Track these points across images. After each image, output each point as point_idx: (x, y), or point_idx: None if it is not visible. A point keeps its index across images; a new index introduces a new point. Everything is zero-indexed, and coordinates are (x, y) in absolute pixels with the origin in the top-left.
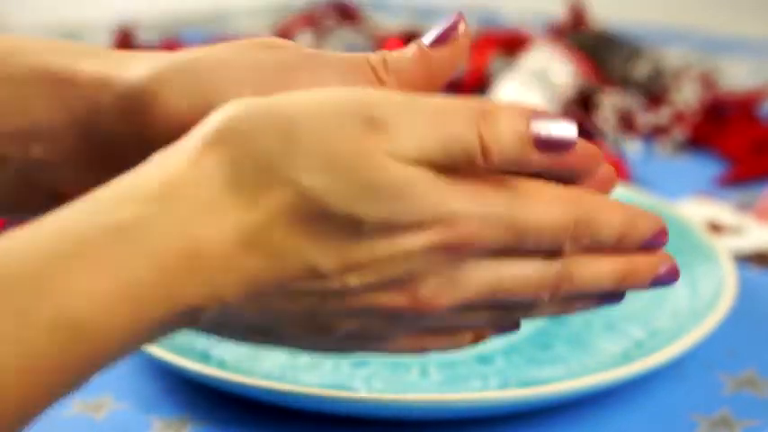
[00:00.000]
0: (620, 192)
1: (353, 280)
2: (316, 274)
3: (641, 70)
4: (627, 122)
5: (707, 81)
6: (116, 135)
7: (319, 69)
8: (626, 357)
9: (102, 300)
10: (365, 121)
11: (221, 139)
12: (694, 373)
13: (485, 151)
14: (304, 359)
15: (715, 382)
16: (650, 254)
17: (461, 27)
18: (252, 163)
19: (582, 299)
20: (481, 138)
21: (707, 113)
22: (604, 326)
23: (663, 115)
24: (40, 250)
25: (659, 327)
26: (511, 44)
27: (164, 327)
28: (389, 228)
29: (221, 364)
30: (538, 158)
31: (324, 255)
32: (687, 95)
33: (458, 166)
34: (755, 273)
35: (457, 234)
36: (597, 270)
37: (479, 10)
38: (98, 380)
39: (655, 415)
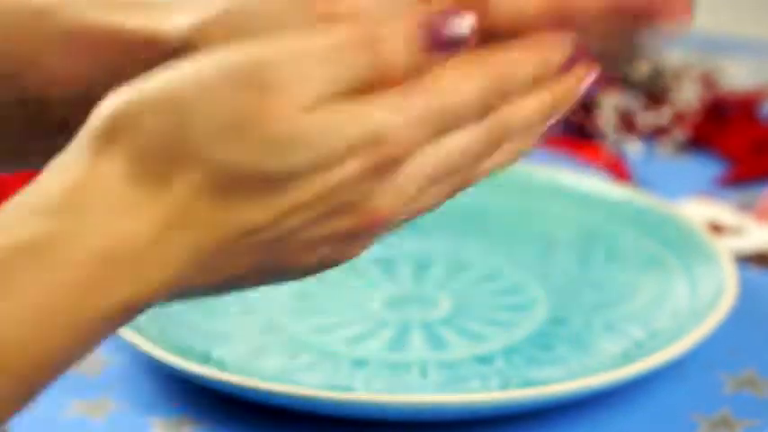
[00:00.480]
0: (621, 192)
1: (293, 221)
2: (252, 230)
3: (642, 70)
4: (627, 122)
5: (707, 81)
6: None
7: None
8: (626, 358)
9: (21, 324)
10: (256, 84)
11: (111, 135)
12: (695, 373)
13: (383, 78)
14: (304, 359)
15: (715, 382)
16: (573, 70)
17: None
18: (150, 151)
19: (527, 135)
20: (375, 68)
21: (707, 114)
22: (604, 326)
23: (663, 115)
24: None
25: (659, 327)
26: None
27: (106, 328)
28: (314, 167)
29: (221, 365)
30: (442, 58)
31: (254, 211)
32: (687, 95)
33: (362, 89)
34: (756, 273)
35: (386, 150)
36: (525, 109)
37: None
38: (98, 380)
39: (655, 415)
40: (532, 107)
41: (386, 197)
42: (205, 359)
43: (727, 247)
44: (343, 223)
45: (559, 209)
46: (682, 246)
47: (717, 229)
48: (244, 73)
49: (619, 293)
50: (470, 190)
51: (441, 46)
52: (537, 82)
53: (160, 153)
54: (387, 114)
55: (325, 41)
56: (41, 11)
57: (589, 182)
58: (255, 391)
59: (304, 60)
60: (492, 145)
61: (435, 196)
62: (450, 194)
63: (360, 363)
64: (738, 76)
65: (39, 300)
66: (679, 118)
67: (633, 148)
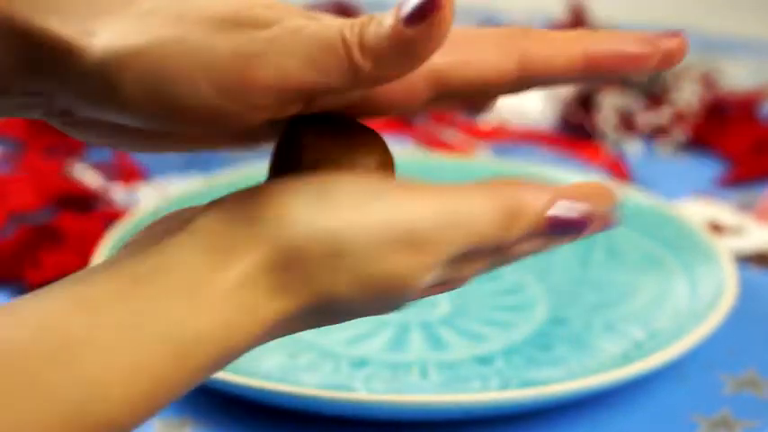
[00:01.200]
0: (621, 192)
1: None
2: None
3: None
4: (627, 122)
5: (707, 81)
6: (71, 103)
7: (282, 58)
8: (626, 358)
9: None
10: (409, 244)
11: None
12: (695, 373)
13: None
14: (304, 359)
15: (715, 382)
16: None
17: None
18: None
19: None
20: (499, 244)
21: (707, 114)
22: (604, 327)
23: (663, 115)
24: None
25: (659, 327)
26: None
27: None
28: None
29: None
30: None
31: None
32: (687, 95)
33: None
34: (756, 273)
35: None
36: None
37: (479, 10)
38: None
39: (655, 415)
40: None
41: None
42: None
43: (727, 247)
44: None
45: None
46: (682, 246)
47: (717, 229)
48: (403, 235)
49: (619, 293)
50: None
51: (556, 230)
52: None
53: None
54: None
55: (472, 206)
56: None
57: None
58: (255, 390)
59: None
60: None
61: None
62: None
63: (360, 363)
64: (738, 76)
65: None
66: (679, 118)
67: (633, 148)
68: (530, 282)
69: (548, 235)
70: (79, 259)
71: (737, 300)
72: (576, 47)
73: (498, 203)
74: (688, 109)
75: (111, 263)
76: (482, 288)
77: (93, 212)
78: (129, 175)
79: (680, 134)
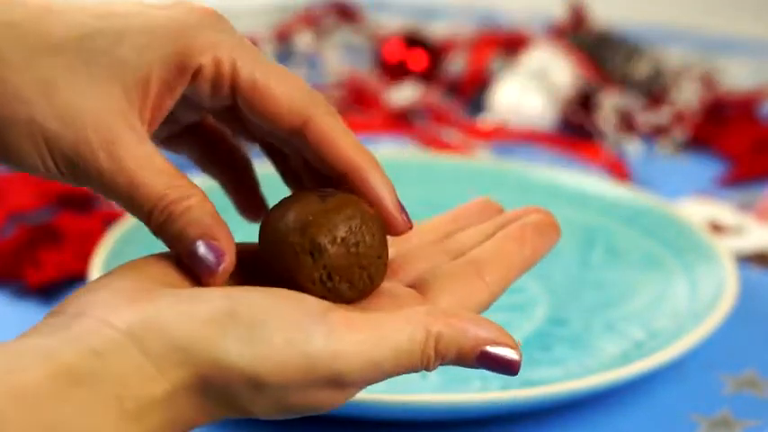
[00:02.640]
0: (621, 192)
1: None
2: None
3: (641, 70)
4: (627, 122)
5: (707, 81)
6: None
7: None
8: (626, 358)
9: None
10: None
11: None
12: (695, 373)
13: None
14: None
15: (715, 382)
16: None
17: None
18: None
19: None
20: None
21: (707, 113)
22: (604, 327)
23: (663, 115)
24: None
25: (659, 327)
26: (511, 44)
27: None
28: None
29: None
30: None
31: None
32: (687, 95)
33: None
34: (756, 273)
35: None
36: None
37: (479, 10)
38: None
39: (655, 415)
40: None
41: None
42: None
43: (727, 246)
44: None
45: (559, 209)
46: (682, 246)
47: (717, 228)
48: (327, 378)
49: (619, 293)
50: (470, 190)
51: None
52: None
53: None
54: None
55: (398, 345)
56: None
57: (589, 182)
58: None
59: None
60: None
61: None
62: None
63: None
64: (738, 76)
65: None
66: (679, 118)
67: (633, 148)
68: (530, 282)
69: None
70: (79, 259)
71: (738, 300)
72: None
73: (425, 342)
74: (688, 109)
75: (48, 347)
76: None
77: (92, 212)
78: None
79: (680, 134)
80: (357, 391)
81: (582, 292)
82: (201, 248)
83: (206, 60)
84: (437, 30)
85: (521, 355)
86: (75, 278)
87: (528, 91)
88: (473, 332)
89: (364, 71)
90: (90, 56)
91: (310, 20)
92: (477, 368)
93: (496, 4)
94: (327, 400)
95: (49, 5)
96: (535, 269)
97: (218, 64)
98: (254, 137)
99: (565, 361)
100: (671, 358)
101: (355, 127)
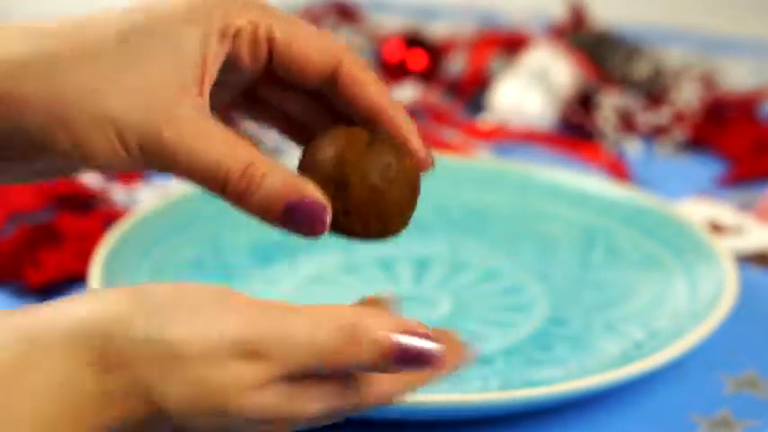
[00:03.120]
0: (621, 192)
1: None
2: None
3: (641, 70)
4: (627, 122)
5: (707, 81)
6: None
7: None
8: (626, 358)
9: None
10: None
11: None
12: (695, 373)
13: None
14: None
15: (715, 382)
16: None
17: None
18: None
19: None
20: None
21: (707, 113)
22: (604, 327)
23: (663, 115)
24: None
25: (659, 327)
26: (511, 44)
27: None
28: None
29: None
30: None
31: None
32: (687, 95)
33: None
34: (756, 273)
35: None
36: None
37: (479, 10)
38: None
39: (655, 415)
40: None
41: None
42: None
43: (727, 246)
44: None
45: (559, 209)
46: (682, 246)
47: (717, 228)
48: (239, 343)
49: (618, 294)
50: (470, 190)
51: (406, 362)
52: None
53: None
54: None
55: (314, 323)
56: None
57: (589, 182)
58: None
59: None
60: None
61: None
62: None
63: None
64: (738, 76)
65: None
66: (679, 118)
67: (633, 148)
68: (530, 282)
69: (397, 367)
70: (79, 259)
71: (738, 300)
72: None
73: (340, 323)
74: (688, 109)
75: None
76: (482, 288)
77: (92, 212)
78: (129, 175)
79: (680, 134)
80: (272, 370)
81: (582, 292)
82: (301, 205)
83: (243, 23)
84: (437, 30)
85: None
86: (75, 278)
87: (528, 91)
88: None
89: None
90: (143, 40)
91: (310, 20)
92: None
93: (496, 4)
94: (240, 375)
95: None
96: (535, 269)
97: (254, 25)
98: (275, 116)
99: (565, 361)
100: (671, 358)
101: None
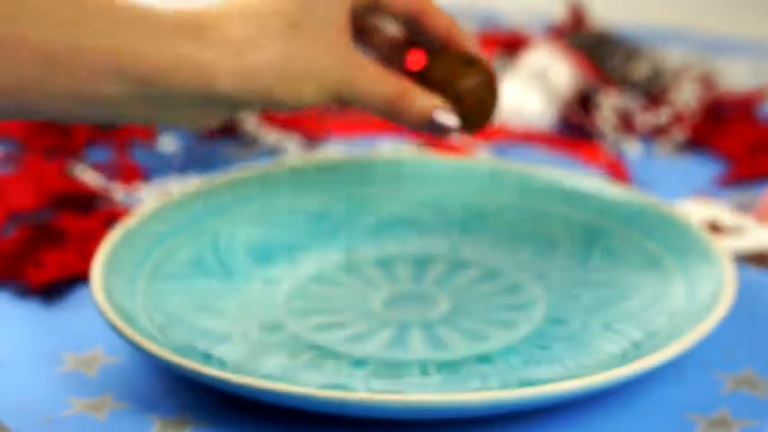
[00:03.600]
0: (620, 192)
1: None
2: None
3: (641, 70)
4: (626, 122)
5: (706, 81)
6: None
7: None
8: (624, 358)
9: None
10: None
11: None
12: (693, 373)
13: None
14: (304, 359)
15: (713, 381)
16: None
17: None
18: None
19: None
20: None
21: (706, 114)
22: (603, 326)
23: (662, 115)
24: None
25: (658, 327)
26: (511, 44)
27: None
28: None
29: (222, 365)
30: None
31: None
32: (687, 96)
33: None
34: (755, 273)
35: None
36: None
37: (479, 10)
38: (98, 379)
39: (653, 415)
40: None
41: None
42: (205, 358)
43: (725, 247)
44: None
45: (559, 209)
46: (680, 246)
47: (716, 229)
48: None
49: (617, 294)
50: (470, 190)
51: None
52: None
53: None
54: None
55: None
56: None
57: (588, 182)
58: (256, 390)
59: None
60: None
61: None
62: None
63: (360, 362)
64: (738, 77)
65: None
66: (678, 118)
67: (632, 148)
68: (529, 282)
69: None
70: (80, 259)
71: (736, 300)
72: None
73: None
74: (687, 109)
75: None
76: (482, 288)
77: (93, 212)
78: (129, 175)
79: (679, 134)
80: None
81: (580, 292)
82: (438, 117)
83: None
84: None
85: None
86: (76, 278)
87: (527, 91)
88: None
89: None
90: (306, 6)
91: None
92: None
93: (496, 4)
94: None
95: None
96: (535, 269)
97: None
98: (378, 41)
99: (563, 360)
100: (669, 358)
101: (355, 127)
